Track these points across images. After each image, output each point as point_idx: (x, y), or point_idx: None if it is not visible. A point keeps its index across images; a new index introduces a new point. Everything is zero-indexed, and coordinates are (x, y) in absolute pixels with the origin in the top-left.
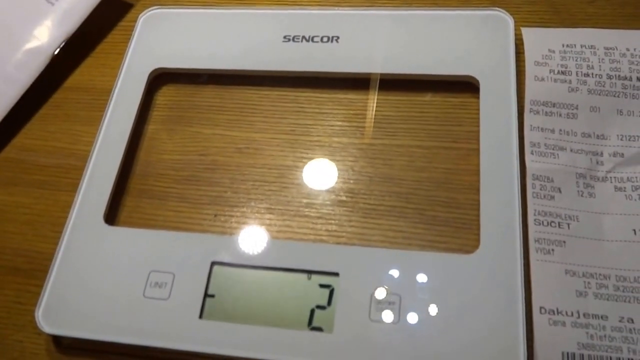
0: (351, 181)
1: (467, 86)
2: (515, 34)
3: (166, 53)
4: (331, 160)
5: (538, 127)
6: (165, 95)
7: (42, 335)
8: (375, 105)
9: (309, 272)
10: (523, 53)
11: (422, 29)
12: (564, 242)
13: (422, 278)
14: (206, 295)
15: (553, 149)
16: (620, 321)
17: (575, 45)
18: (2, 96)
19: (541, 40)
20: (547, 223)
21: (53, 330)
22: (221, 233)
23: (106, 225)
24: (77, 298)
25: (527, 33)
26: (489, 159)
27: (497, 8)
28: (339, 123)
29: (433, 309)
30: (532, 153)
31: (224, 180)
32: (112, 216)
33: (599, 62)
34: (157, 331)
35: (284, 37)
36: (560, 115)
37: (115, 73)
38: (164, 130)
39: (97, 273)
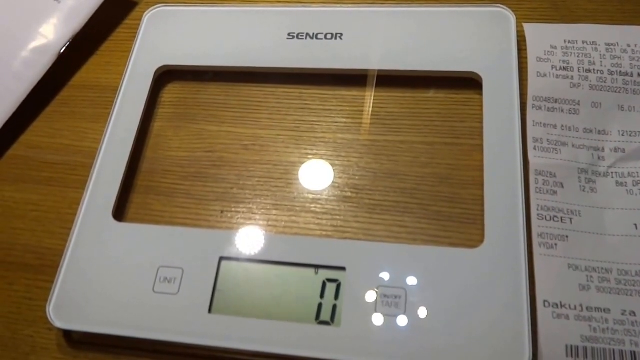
0: (356, 177)
1: (470, 82)
2: (517, 31)
3: (171, 51)
4: (336, 156)
5: (540, 123)
6: (171, 92)
7: (52, 330)
8: (378, 101)
9: (316, 267)
10: (525, 49)
11: (424, 26)
12: (567, 236)
13: (427, 272)
14: (215, 290)
15: (555, 145)
16: (622, 314)
17: (576, 41)
18: (10, 94)
19: (543, 36)
20: (550, 218)
21: (64, 325)
22: (228, 229)
23: (115, 222)
24: (87, 293)
25: (529, 29)
26: (493, 154)
27: (498, 5)
28: (343, 119)
29: (438, 303)
30: (534, 149)
31: (230, 177)
32: (120, 213)
33: (601, 58)
34: (167, 326)
35: (288, 34)
36: (562, 111)
37: (121, 71)
38: (170, 127)
39: (106, 269)
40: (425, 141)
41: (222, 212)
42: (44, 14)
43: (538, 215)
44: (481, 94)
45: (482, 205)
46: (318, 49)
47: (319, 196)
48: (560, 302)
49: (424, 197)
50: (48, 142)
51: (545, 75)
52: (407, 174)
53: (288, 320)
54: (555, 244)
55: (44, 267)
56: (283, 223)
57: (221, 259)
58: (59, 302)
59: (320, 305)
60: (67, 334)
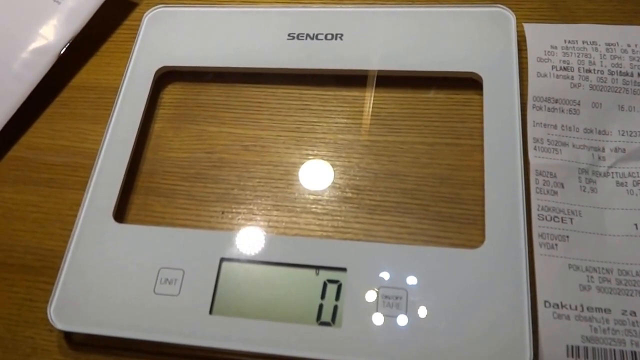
0: (356, 178)
1: (470, 83)
2: (517, 30)
3: (171, 51)
4: (336, 157)
5: (541, 123)
6: (171, 93)
7: (53, 332)
8: (379, 102)
9: (317, 268)
10: (525, 49)
11: (425, 26)
12: (567, 236)
13: (428, 273)
14: (216, 291)
15: (556, 145)
16: (623, 314)
17: (577, 41)
18: (10, 95)
19: (543, 36)
20: (551, 218)
21: (65, 327)
22: (229, 230)
23: (115, 223)
24: (88, 295)
25: (529, 29)
26: (493, 155)
27: (498, 5)
28: (344, 120)
29: (439, 304)
30: (535, 149)
31: (231, 178)
32: (121, 214)
33: (601, 58)
34: (168, 327)
35: (289, 35)
36: (562, 111)
37: (121, 72)
38: (171, 128)
39: (107, 270)
40: (425, 142)
41: (222, 213)
42: (44, 15)
43: (538, 215)
44: (481, 94)
45: (483, 205)
46: (318, 49)
47: (319, 197)
48: (561, 303)
49: (424, 197)
50: (48, 144)
51: (545, 75)
52: (407, 174)
53: (289, 322)
54: (556, 244)
55: (45, 268)
56: (284, 224)
57: (222, 260)
58: (59, 304)
59: (321, 306)
60: (68, 336)
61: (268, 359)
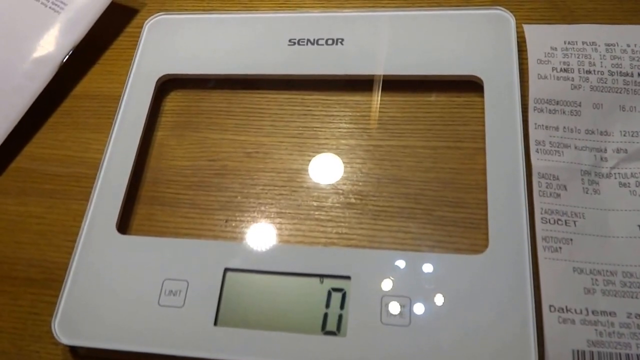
0: (360, 183)
1: (471, 85)
2: (518, 31)
3: (173, 59)
4: (339, 162)
5: (542, 125)
6: (174, 101)
7: (59, 346)
8: (381, 106)
9: (321, 276)
10: (525, 51)
11: (425, 30)
12: (571, 239)
13: (432, 280)
14: (220, 302)
15: (558, 147)
16: (628, 317)
17: (576, 42)
18: (12, 106)
19: (543, 38)
20: (554, 221)
21: (70, 341)
22: (233, 239)
23: (119, 234)
24: (92, 308)
25: (529, 30)
26: (495, 158)
27: (498, 7)
28: (346, 125)
29: (443, 310)
30: (537, 151)
31: (234, 185)
32: (124, 225)
33: (601, 58)
34: (173, 339)
35: (289, 40)
36: (563, 112)
37: (123, 80)
38: (173, 136)
39: (111, 282)
40: (428, 145)
41: (226, 221)
42: (45, 25)
43: (542, 218)
44: (483, 97)
45: (486, 209)
46: (319, 54)
47: (323, 203)
48: (566, 307)
49: (427, 202)
50: (51, 154)
51: (545, 77)
52: (410, 179)
53: (294, 332)
54: (560, 247)
55: (49, 281)
56: (287, 231)
57: (226, 270)
58: (64, 318)
59: (325, 315)
60: (73, 350)
61: None
